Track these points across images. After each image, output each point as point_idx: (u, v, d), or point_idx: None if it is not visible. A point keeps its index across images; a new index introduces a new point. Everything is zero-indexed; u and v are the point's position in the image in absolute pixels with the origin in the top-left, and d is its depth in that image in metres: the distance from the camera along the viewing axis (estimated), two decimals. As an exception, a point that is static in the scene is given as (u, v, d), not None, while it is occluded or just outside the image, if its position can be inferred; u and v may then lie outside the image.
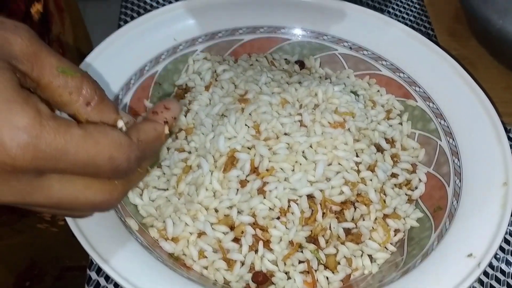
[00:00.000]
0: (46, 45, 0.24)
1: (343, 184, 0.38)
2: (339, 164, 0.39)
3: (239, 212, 0.38)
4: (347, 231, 0.38)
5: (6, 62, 0.22)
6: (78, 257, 0.30)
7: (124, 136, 0.25)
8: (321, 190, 0.38)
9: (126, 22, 0.58)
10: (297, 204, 0.37)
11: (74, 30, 0.62)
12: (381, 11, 0.63)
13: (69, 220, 0.32)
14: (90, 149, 0.23)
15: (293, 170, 0.39)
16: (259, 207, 0.37)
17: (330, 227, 0.37)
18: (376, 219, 0.39)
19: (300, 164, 0.39)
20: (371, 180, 0.40)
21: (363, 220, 0.39)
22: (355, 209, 0.39)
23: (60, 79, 0.24)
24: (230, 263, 0.37)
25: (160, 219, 0.39)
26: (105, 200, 0.26)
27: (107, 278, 0.39)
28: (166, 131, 0.29)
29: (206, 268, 0.37)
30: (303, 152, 0.39)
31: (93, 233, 0.32)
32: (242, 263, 0.37)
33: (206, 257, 0.37)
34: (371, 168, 0.40)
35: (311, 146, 0.40)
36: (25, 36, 0.23)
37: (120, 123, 0.27)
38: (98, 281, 0.39)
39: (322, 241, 0.37)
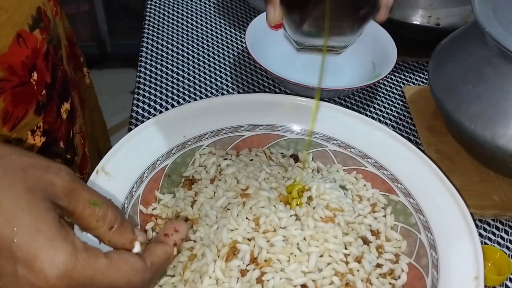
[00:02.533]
0: (81, 182, 0.30)
1: (333, 274, 0.43)
2: (329, 256, 0.44)
3: None
4: None
5: (51, 202, 0.27)
6: None
7: (141, 261, 0.30)
8: (313, 280, 0.42)
9: (137, 120, 0.65)
10: None
11: (91, 117, 0.68)
12: (367, 107, 0.70)
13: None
14: (113, 276, 0.28)
15: (289, 261, 0.43)
16: None
17: None
18: None
19: (295, 255, 0.43)
20: (358, 270, 0.44)
21: None
22: None
23: (90, 210, 0.30)
24: None
25: (166, 304, 0.42)
26: None
27: None
28: (175, 252, 0.34)
29: None
30: (297, 244, 0.44)
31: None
32: None
33: None
34: (358, 260, 0.45)
35: (305, 239, 0.44)
36: (66, 178, 0.29)
37: (137, 246, 0.32)
38: None
39: None
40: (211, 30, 0.81)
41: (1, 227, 0.25)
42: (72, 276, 0.26)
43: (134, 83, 0.71)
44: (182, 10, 0.85)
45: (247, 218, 0.45)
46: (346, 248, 0.45)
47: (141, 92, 0.68)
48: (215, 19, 0.83)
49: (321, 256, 0.44)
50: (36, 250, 0.25)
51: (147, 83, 0.70)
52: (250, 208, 0.46)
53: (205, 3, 0.87)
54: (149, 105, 0.66)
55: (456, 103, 0.57)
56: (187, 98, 0.68)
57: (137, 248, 0.32)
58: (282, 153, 0.56)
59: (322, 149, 0.56)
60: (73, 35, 0.65)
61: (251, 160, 0.54)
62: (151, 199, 0.50)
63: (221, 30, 0.81)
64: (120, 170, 0.47)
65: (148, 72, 0.72)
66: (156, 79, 0.71)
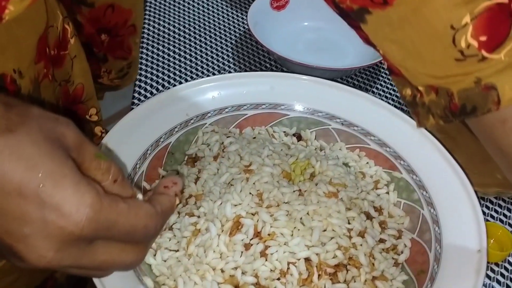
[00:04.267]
0: (86, 137, 0.30)
1: (336, 248, 0.43)
2: (333, 230, 0.44)
3: (243, 273, 0.42)
4: None
5: (67, 152, 0.27)
6: None
7: (153, 207, 0.31)
8: (317, 254, 0.42)
9: (139, 99, 0.65)
10: (296, 266, 0.42)
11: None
12: (370, 87, 0.70)
13: (96, 281, 0.37)
14: (132, 219, 0.29)
15: (292, 235, 0.43)
16: (261, 269, 0.42)
17: (325, 287, 0.42)
18: (365, 281, 0.43)
19: (298, 229, 0.43)
20: (361, 245, 0.44)
21: (354, 281, 0.43)
22: (347, 271, 0.43)
23: (96, 163, 0.30)
24: None
25: (171, 278, 0.43)
26: (134, 260, 0.31)
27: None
28: (177, 201, 0.35)
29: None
30: (301, 219, 0.44)
31: (116, 290, 0.37)
32: None
33: None
34: (361, 234, 0.45)
35: (308, 214, 0.45)
36: (75, 130, 0.29)
37: (140, 196, 0.33)
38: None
39: None
40: (213, 11, 0.81)
41: (27, 173, 0.25)
42: (99, 219, 0.26)
43: (135, 72, 0.71)
44: (184, -7, 0.85)
45: (250, 193, 0.45)
46: (349, 223, 0.45)
47: (142, 78, 0.68)
48: (216, 0, 0.83)
49: (324, 230, 0.44)
50: (64, 194, 0.25)
51: (149, 69, 0.70)
52: (254, 183, 0.46)
53: (206, -15, 0.87)
54: (151, 93, 0.66)
55: (459, 81, 0.57)
56: (189, 81, 0.68)
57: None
58: (284, 131, 0.56)
59: (325, 128, 0.56)
60: (82, 91, 0.56)
61: (254, 138, 0.54)
62: (154, 176, 0.50)
63: (222, 12, 0.81)
64: (124, 147, 0.47)
65: (150, 54, 0.72)
66: (158, 64, 0.71)
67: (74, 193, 0.26)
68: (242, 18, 0.80)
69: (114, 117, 0.49)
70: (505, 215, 0.56)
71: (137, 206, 0.29)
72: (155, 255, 0.44)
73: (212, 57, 0.72)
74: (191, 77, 0.68)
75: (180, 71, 0.69)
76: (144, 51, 0.72)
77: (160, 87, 0.67)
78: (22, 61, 0.42)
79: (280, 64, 0.71)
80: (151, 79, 0.68)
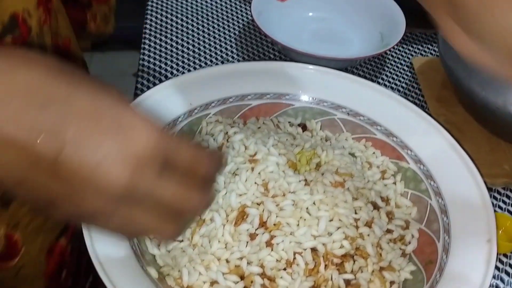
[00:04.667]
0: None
1: (343, 238, 0.42)
2: (339, 220, 0.43)
3: (248, 263, 0.41)
4: (347, 282, 0.42)
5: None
6: None
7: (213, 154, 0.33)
8: (323, 244, 0.42)
9: (142, 91, 0.64)
10: (302, 256, 0.41)
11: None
12: (376, 77, 0.69)
13: (98, 269, 0.36)
14: (194, 152, 0.30)
15: (298, 225, 0.43)
16: (267, 259, 0.41)
17: (331, 278, 0.41)
18: (373, 271, 0.42)
19: (305, 219, 0.43)
20: (368, 235, 0.44)
21: (361, 272, 0.42)
22: (354, 261, 0.42)
23: None
24: None
25: (176, 268, 0.42)
26: (198, 203, 0.32)
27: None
28: None
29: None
30: (307, 208, 0.43)
31: (119, 280, 0.36)
32: None
33: None
34: (368, 224, 0.44)
35: (314, 203, 0.44)
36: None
37: None
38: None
39: None
40: (216, 1, 0.80)
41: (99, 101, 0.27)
42: (167, 143, 0.28)
43: (136, 66, 0.69)
44: (186, -16, 0.84)
45: (255, 183, 0.45)
46: (356, 213, 0.44)
47: (145, 69, 0.68)
48: (220, -7, 0.82)
49: (331, 220, 0.43)
50: (135, 119, 0.27)
51: (151, 59, 0.69)
52: (259, 173, 0.45)
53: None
54: (153, 83, 0.65)
55: (467, 69, 0.56)
56: (193, 71, 0.67)
57: None
58: (289, 122, 0.55)
59: (331, 118, 0.55)
60: (69, 44, 0.59)
61: (259, 128, 0.53)
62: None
63: (226, 2, 0.80)
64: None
65: (152, 44, 0.71)
66: (160, 55, 0.70)
67: (143, 120, 0.27)
68: (246, 8, 0.79)
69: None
70: (513, 206, 0.56)
71: (197, 146, 0.32)
72: (159, 245, 0.44)
73: (215, 47, 0.72)
74: (194, 68, 0.68)
75: (183, 61, 0.69)
76: (147, 41, 0.71)
77: (163, 78, 0.66)
78: (29, 1, 0.45)
79: (284, 55, 0.71)
80: (154, 70, 0.67)
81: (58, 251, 0.57)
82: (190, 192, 0.31)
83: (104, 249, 0.38)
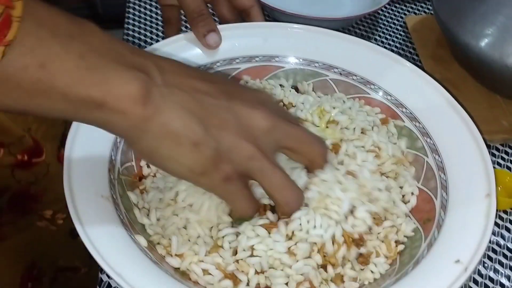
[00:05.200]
0: None
1: (366, 216, 0.40)
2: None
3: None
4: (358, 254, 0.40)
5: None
6: (72, 257, 0.34)
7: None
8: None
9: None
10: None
11: None
12: (368, 38, 0.67)
13: (83, 237, 0.35)
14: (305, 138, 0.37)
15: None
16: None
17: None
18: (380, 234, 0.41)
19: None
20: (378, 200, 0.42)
21: (371, 240, 0.41)
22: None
23: None
24: (236, 282, 0.38)
25: (166, 237, 0.41)
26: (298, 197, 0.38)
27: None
28: None
29: (212, 285, 0.38)
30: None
31: (106, 249, 0.35)
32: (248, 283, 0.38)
33: (211, 274, 0.39)
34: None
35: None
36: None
37: None
38: (109, 282, 0.42)
39: (330, 269, 0.39)
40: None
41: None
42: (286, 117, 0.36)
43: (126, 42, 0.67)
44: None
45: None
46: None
47: (130, 32, 0.65)
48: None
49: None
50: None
51: (136, 23, 0.67)
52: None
53: None
54: (139, 39, 0.63)
55: (462, 23, 0.54)
56: (179, 37, 0.65)
57: None
58: (281, 84, 0.53)
59: (323, 79, 0.53)
60: None
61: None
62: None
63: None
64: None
65: (137, 8, 0.69)
66: (145, 18, 0.67)
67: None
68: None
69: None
70: (512, 162, 0.54)
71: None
72: (148, 214, 0.42)
73: (202, 14, 0.69)
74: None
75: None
76: (131, 5, 0.69)
77: (143, 44, 0.64)
78: None
79: (274, 18, 0.68)
80: (139, 33, 0.65)
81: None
82: (294, 185, 0.36)
83: (91, 219, 0.36)
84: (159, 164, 0.33)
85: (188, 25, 0.53)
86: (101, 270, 0.42)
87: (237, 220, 0.39)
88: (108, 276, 0.42)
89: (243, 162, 0.33)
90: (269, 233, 0.38)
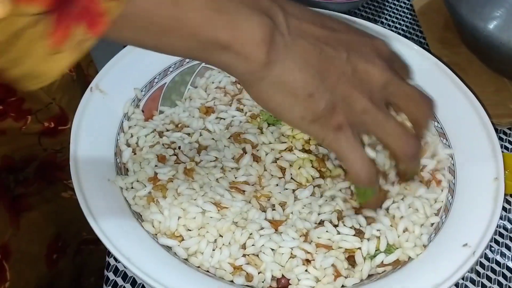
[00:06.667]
0: None
1: None
2: None
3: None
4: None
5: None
6: None
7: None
8: None
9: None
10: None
11: None
12: (375, 21, 0.66)
13: (91, 222, 0.35)
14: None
15: None
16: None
17: None
18: None
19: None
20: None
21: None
22: None
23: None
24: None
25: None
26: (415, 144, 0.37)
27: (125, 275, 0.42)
28: None
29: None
30: None
31: (114, 233, 0.35)
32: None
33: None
34: None
35: None
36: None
37: None
38: (116, 266, 0.42)
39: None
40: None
41: None
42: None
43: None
44: None
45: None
46: None
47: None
48: None
49: None
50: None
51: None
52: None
53: None
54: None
55: (470, 5, 0.53)
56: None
57: None
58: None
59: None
60: None
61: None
62: (149, 119, 0.47)
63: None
64: (116, 87, 0.45)
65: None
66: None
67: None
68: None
69: (105, 58, 0.46)
70: (520, 146, 0.54)
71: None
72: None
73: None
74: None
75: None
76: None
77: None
78: None
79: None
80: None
81: None
82: (408, 132, 0.36)
83: (98, 203, 0.36)
84: (271, 110, 0.34)
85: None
86: (109, 254, 0.42)
87: (361, 196, 0.38)
88: (116, 260, 0.42)
89: (357, 115, 0.34)
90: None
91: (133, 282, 0.41)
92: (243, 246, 0.38)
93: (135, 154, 0.43)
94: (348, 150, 0.34)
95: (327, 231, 0.38)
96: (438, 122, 0.46)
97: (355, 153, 0.34)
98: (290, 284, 0.37)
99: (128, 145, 0.43)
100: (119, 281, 0.41)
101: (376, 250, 0.38)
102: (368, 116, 0.34)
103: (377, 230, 0.38)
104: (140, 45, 0.30)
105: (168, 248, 0.37)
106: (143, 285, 0.41)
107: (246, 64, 0.30)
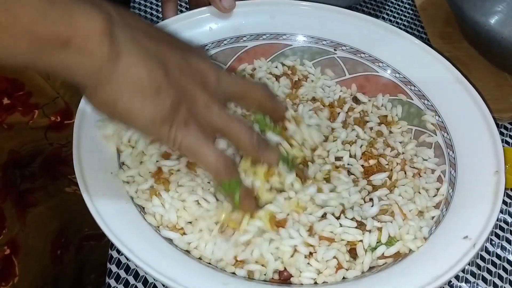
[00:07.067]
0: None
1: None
2: None
3: None
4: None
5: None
6: (97, 224, 0.34)
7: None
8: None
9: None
10: None
11: None
12: (376, 17, 0.66)
13: (95, 215, 0.35)
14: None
15: None
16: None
17: None
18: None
19: None
20: None
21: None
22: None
23: None
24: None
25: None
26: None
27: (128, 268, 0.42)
28: None
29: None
30: None
31: (117, 225, 0.35)
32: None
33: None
34: None
35: None
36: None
37: None
38: (119, 258, 0.42)
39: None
40: None
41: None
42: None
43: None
44: None
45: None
46: None
47: (136, 11, 0.65)
48: None
49: None
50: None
51: (142, 1, 0.66)
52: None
53: None
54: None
55: (471, 0, 0.53)
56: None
57: None
58: (282, 62, 0.53)
59: (330, 57, 0.53)
60: None
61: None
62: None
63: None
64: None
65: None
66: (151, 3, 0.67)
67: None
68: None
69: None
70: (520, 141, 0.54)
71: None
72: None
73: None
74: (186, 8, 0.65)
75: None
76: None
77: (154, 18, 0.64)
78: None
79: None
80: (145, 11, 0.65)
81: None
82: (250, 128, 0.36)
83: (100, 196, 0.37)
84: (118, 116, 0.31)
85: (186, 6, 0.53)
86: (111, 247, 0.43)
87: (229, 193, 0.37)
88: (118, 252, 0.42)
89: (201, 110, 0.33)
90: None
91: (136, 274, 0.41)
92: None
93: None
94: (198, 146, 0.33)
95: (330, 224, 0.38)
96: (439, 116, 0.46)
97: (206, 148, 0.33)
98: (292, 276, 0.37)
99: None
100: (122, 273, 0.42)
101: (377, 242, 0.38)
102: (210, 110, 0.33)
103: (378, 222, 0.39)
104: None
105: (170, 240, 0.38)
106: (145, 277, 0.41)
107: (90, 60, 0.28)
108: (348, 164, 0.44)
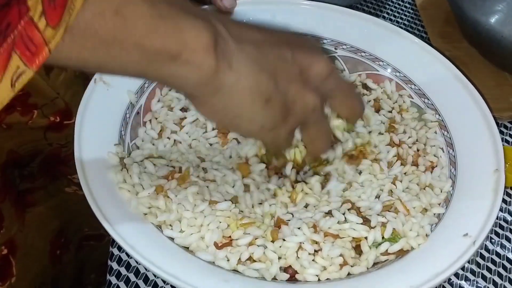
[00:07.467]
0: None
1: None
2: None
3: None
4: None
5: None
6: (97, 224, 0.34)
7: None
8: None
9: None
10: None
11: None
12: (377, 16, 0.67)
13: (96, 212, 0.35)
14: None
15: None
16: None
17: None
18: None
19: None
20: None
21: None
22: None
23: None
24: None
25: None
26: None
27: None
28: None
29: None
30: None
31: (119, 223, 0.35)
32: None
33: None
34: None
35: None
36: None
37: None
38: (120, 256, 0.43)
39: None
40: None
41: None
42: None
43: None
44: None
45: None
46: None
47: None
48: None
49: None
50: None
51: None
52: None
53: None
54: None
55: (471, 0, 0.54)
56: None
57: None
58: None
59: (331, 56, 0.53)
60: None
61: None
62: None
63: None
64: (119, 78, 0.45)
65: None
66: None
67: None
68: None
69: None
70: (520, 140, 0.54)
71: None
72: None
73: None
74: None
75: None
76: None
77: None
78: None
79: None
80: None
81: None
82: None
83: (102, 194, 0.37)
84: (229, 123, 0.33)
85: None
86: (112, 244, 0.43)
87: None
88: (120, 249, 0.42)
89: (307, 113, 0.33)
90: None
91: (137, 271, 0.42)
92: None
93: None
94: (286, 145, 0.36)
95: (336, 220, 0.39)
96: (439, 115, 0.46)
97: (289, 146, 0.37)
98: (297, 273, 0.37)
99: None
100: (123, 270, 0.42)
101: (382, 239, 0.38)
102: (314, 114, 0.34)
103: (383, 217, 0.39)
104: (81, 66, 0.27)
105: (172, 239, 0.38)
106: (146, 274, 0.41)
107: (198, 73, 0.28)
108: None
